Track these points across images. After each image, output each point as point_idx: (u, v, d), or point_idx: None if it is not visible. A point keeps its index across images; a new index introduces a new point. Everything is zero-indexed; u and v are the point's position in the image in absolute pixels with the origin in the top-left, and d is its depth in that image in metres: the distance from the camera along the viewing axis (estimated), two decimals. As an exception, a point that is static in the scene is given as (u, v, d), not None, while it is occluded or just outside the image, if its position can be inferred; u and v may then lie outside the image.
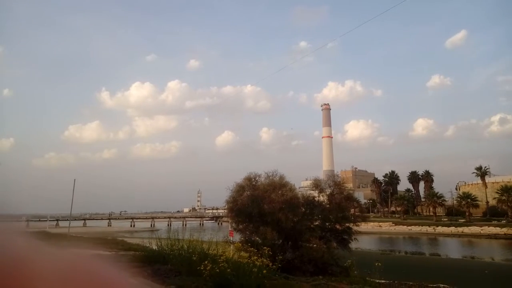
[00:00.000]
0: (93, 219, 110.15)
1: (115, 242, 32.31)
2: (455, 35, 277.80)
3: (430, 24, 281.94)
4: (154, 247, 15.88)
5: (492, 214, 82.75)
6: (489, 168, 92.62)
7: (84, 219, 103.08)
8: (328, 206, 20.42)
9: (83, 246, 26.29)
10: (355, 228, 20.11)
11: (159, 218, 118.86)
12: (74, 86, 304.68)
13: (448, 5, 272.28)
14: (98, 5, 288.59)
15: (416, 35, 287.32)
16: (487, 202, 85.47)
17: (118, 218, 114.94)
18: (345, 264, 16.95)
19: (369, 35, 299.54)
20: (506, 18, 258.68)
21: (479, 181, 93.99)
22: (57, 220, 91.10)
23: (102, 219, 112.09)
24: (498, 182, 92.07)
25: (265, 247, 13.61)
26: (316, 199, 20.98)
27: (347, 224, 20.07)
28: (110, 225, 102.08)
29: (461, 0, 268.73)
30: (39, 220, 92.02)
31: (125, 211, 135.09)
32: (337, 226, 20.25)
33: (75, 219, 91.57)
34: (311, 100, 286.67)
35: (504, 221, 73.84)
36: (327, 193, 21.10)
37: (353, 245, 20.70)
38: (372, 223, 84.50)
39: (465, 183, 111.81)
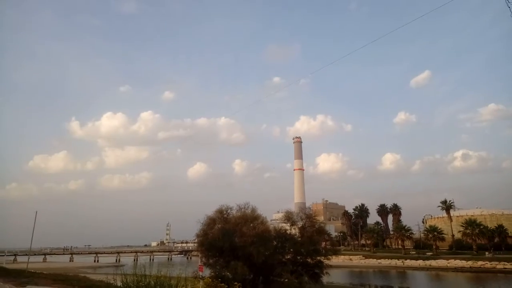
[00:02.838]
0: (54, 254, 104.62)
1: (77, 278, 30.76)
2: (420, 75, 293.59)
3: (396, 63, 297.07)
4: (119, 283, 15.19)
5: (457, 247, 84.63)
6: (453, 202, 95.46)
7: (45, 254, 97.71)
8: (299, 239, 20.38)
9: (42, 283, 24.84)
10: (326, 261, 20.07)
11: (125, 252, 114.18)
12: (42, 114, 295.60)
13: (412, 46, 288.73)
14: (73, 33, 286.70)
15: (383, 73, 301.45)
16: (453, 235, 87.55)
17: (81, 253, 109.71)
18: (316, 299, 16.73)
19: (339, 73, 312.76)
20: (466, 60, 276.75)
21: (445, 214, 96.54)
22: (15, 255, 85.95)
23: (64, 253, 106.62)
24: (462, 216, 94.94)
25: (235, 283, 13.34)
26: (288, 232, 20.92)
27: (318, 258, 20.00)
28: (72, 260, 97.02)
29: (424, 42, 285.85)
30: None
31: (89, 245, 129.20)
32: (309, 260, 20.15)
33: (35, 254, 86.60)
34: (284, 133, 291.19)
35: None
36: (299, 225, 21.13)
37: (325, 279, 20.57)
38: (343, 257, 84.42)
39: (431, 216, 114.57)
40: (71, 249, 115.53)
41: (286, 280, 17.43)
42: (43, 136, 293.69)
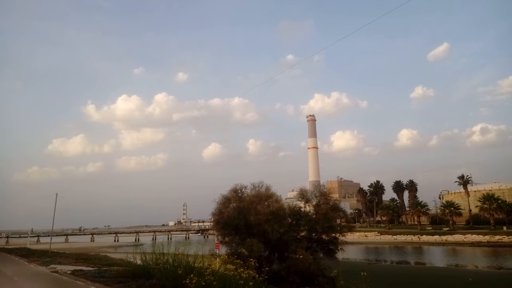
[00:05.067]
0: (76, 234, 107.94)
1: (98, 257, 31.74)
2: (437, 47, 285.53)
3: (413, 37, 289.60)
4: (139, 261, 15.59)
5: (475, 222, 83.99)
6: (471, 177, 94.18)
7: (66, 235, 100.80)
8: (314, 216, 20.41)
9: (65, 262, 25.66)
10: (341, 238, 20.11)
11: (143, 232, 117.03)
12: (59, 99, 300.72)
13: (430, 18, 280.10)
14: (86, 17, 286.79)
15: (399, 47, 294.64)
16: (470, 210, 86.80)
17: (102, 233, 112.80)
18: (331, 275, 16.89)
19: (354, 48, 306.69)
20: (485, 32, 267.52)
21: (462, 189, 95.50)
22: (38, 236, 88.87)
23: (85, 234, 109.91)
24: (480, 191, 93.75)
25: (251, 259, 13.51)
26: (303, 209, 20.96)
27: (333, 234, 20.05)
28: (93, 240, 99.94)
29: (442, 13, 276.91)
30: (20, 237, 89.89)
31: (109, 225, 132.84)
32: (324, 237, 20.22)
33: (57, 235, 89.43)
34: (298, 112, 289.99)
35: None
36: (313, 203, 21.12)
37: (340, 255, 20.67)
38: (358, 233, 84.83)
39: (448, 192, 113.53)
40: (81, 229, 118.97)
41: (301, 256, 17.57)
42: (61, 121, 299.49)
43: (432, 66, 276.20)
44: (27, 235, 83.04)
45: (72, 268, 20.91)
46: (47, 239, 62.74)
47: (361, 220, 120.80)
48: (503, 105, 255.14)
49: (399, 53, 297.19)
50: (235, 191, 20.64)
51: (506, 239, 65.27)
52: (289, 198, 69.45)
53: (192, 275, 10.27)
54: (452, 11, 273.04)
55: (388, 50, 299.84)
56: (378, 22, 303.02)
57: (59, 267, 21.46)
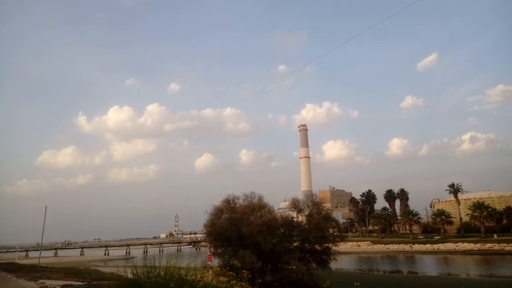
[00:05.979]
0: (65, 248, 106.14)
1: (88, 271, 31.10)
2: (427, 57, 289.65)
3: (403, 47, 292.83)
4: (130, 275, 15.32)
5: (466, 230, 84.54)
6: (461, 185, 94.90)
7: (55, 249, 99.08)
8: (307, 226, 20.37)
9: (54, 277, 25.14)
10: (334, 248, 20.07)
11: (134, 245, 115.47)
12: (50, 110, 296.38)
13: (418, 29, 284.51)
14: (78, 28, 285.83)
15: (389, 57, 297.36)
16: (461, 218, 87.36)
17: (92, 247, 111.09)
18: (324, 285, 16.79)
19: (345, 58, 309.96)
20: (474, 41, 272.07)
21: (453, 198, 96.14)
22: (26, 250, 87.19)
23: (74, 248, 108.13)
24: (470, 199, 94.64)
25: (244, 271, 13.42)
26: (295, 220, 20.92)
27: (326, 245, 20.01)
28: (83, 254, 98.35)
29: (431, 24, 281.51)
30: (7, 251, 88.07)
31: (99, 238, 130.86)
32: (316, 247, 20.17)
33: (46, 249, 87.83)
34: (290, 122, 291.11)
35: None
36: (306, 213, 21.09)
37: (333, 265, 20.61)
38: (351, 243, 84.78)
39: (439, 200, 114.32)
40: (65, 243, 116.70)
41: (294, 267, 17.49)
42: (51, 132, 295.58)
43: (422, 76, 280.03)
44: (15, 250, 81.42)
45: (61, 283, 20.49)
46: (36, 254, 61.62)
47: (354, 230, 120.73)
48: (492, 114, 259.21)
49: (389, 63, 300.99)
50: (227, 202, 20.53)
51: (496, 247, 65.77)
52: (281, 208, 69.28)
53: (184, 288, 10.13)
54: (441, 22, 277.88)
55: (378, 60, 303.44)
56: (368, 32, 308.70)
57: (48, 282, 21.01)
